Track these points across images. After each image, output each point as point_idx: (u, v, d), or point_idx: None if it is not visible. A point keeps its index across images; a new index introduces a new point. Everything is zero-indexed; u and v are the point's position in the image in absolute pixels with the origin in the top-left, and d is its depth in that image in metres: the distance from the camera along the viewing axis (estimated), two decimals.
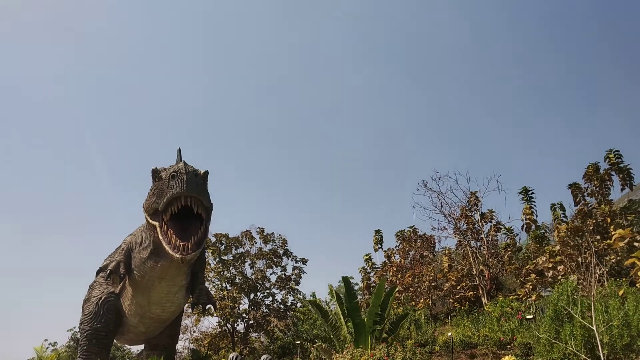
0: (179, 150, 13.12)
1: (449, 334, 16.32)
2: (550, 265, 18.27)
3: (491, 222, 26.92)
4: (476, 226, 27.08)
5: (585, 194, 23.01)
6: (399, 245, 34.01)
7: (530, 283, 19.27)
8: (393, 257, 33.73)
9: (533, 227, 23.40)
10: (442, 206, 26.93)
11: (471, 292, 25.43)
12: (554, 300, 13.41)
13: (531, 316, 15.52)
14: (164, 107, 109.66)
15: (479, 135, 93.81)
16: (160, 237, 11.78)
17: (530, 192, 24.26)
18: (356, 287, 42.14)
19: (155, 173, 12.71)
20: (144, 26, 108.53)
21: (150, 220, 12.40)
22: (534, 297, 18.05)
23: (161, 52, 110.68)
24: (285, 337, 26.41)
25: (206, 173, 12.49)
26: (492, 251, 24.31)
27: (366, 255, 37.12)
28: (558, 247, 18.80)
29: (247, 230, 27.73)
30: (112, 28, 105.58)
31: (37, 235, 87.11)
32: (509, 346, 16.21)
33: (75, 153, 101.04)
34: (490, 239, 25.34)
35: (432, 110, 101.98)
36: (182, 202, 11.34)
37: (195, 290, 14.94)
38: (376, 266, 36.04)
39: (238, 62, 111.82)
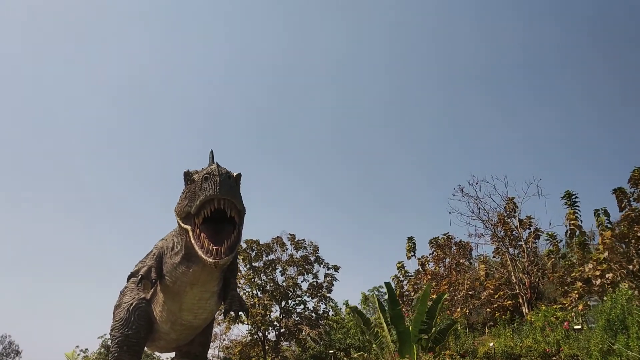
0: (212, 152, 12.78)
1: (491, 344, 15.61)
2: (597, 273, 17.40)
3: (529, 228, 26.08)
4: (514, 233, 26.25)
5: (632, 198, 21.99)
6: (433, 252, 33.30)
7: (576, 292, 18.39)
8: (427, 265, 32.95)
9: (577, 232, 22.40)
10: (479, 212, 26.05)
11: (510, 302, 24.58)
12: (606, 309, 12.65)
13: (579, 326, 14.71)
14: (188, 107, 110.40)
15: (518, 138, 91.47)
16: (193, 241, 11.35)
17: (574, 197, 23.28)
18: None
19: (188, 176, 12.35)
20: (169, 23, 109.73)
21: (183, 224, 12.00)
22: (580, 307, 17.20)
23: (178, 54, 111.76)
24: (318, 347, 25.89)
25: (239, 175, 12.07)
26: (532, 259, 23.43)
27: (399, 263, 36.43)
28: (606, 253, 17.90)
29: (278, 237, 27.38)
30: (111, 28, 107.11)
31: (69, 238, 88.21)
32: (554, 358, 15.43)
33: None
34: (529, 246, 24.45)
35: (467, 114, 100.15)
36: (215, 205, 10.93)
37: (228, 297, 14.50)
38: (409, 274, 35.32)
39: (276, 64, 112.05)
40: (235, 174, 11.93)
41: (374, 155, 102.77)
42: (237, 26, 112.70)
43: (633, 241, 20.08)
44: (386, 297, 37.89)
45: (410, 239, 37.80)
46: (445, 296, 17.19)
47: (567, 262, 21.79)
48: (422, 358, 14.37)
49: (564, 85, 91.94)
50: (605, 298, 16.75)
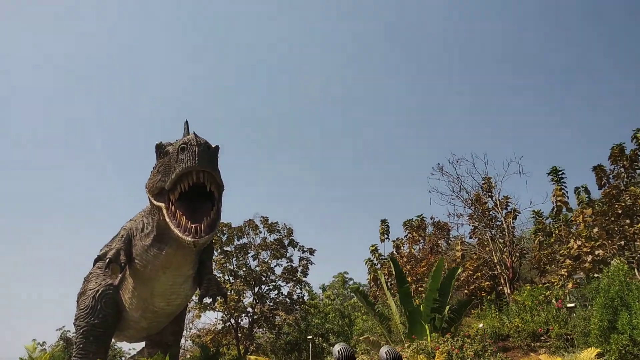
0: (186, 122, 11.59)
1: (480, 325, 14.99)
2: (587, 250, 16.97)
3: (507, 208, 25.65)
4: (492, 212, 25.80)
5: (611, 176, 21.70)
6: (407, 235, 32.75)
7: (565, 269, 17.91)
8: (402, 248, 32.32)
9: (564, 209, 21.98)
10: (460, 190, 25.35)
11: (488, 282, 24.15)
12: (604, 286, 12.09)
13: (573, 304, 14.17)
14: (162, 96, 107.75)
15: (497, 115, 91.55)
16: (168, 220, 10.14)
17: (560, 173, 22.76)
18: (362, 281, 40.75)
19: (161, 148, 11.07)
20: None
21: (155, 202, 10.75)
22: (570, 285, 16.74)
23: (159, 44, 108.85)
24: (294, 332, 25.04)
25: (217, 148, 10.79)
26: (512, 238, 22.99)
27: (372, 246, 35.77)
28: (595, 229, 17.49)
29: (250, 220, 26.29)
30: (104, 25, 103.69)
31: (21, 230, 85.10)
32: (542, 337, 14.92)
33: (77, 149, 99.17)
34: (506, 226, 23.98)
35: (445, 91, 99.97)
36: (193, 177, 9.72)
37: (204, 281, 13.44)
38: (383, 257, 34.76)
39: (241, 56, 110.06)
40: (213, 146, 10.83)
41: (348, 138, 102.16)
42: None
43: (613, 218, 19.82)
44: (351, 283, 37.34)
45: (383, 221, 37.14)
46: (460, 271, 15.94)
47: (555, 239, 21.29)
48: (439, 339, 13.24)
49: (543, 62, 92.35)
50: (597, 275, 16.34)
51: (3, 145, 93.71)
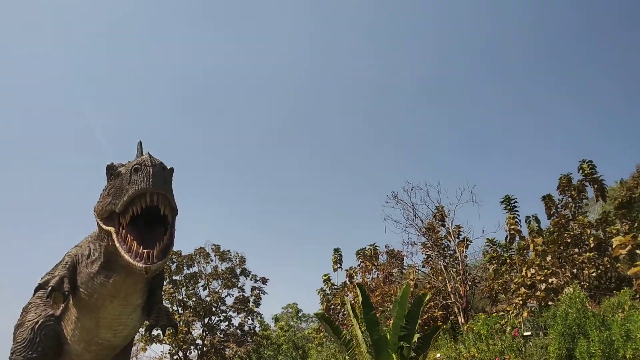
0: (140, 143, 11.06)
1: (438, 355, 14.80)
2: (541, 278, 17.17)
3: (459, 237, 25.91)
4: (444, 242, 26.00)
5: (559, 205, 22.26)
6: (360, 264, 32.59)
7: (519, 298, 18.06)
8: (355, 277, 32.11)
9: (517, 238, 22.31)
10: (415, 218, 25.43)
11: (441, 312, 24.16)
12: (561, 314, 12.14)
13: (529, 333, 14.17)
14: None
15: (449, 146, 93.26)
16: (117, 245, 9.50)
17: (513, 201, 23.19)
18: (311, 311, 40.13)
19: (112, 169, 10.46)
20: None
21: (104, 226, 10.11)
22: (525, 313, 16.84)
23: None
24: None
25: (172, 170, 10.29)
26: (464, 267, 23.14)
27: (325, 275, 35.37)
28: (549, 257, 17.75)
29: (201, 247, 25.60)
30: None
31: None
32: None
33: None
34: (459, 255, 24.17)
35: (399, 119, 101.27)
36: (147, 200, 9.19)
37: (153, 311, 12.71)
38: (335, 287, 34.41)
39: (198, 66, 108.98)
40: (168, 167, 10.38)
41: (301, 165, 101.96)
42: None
43: (562, 247, 20.25)
44: (300, 314, 36.73)
45: (336, 250, 36.86)
46: (428, 297, 15.47)
47: (508, 268, 21.50)
48: None
49: (495, 88, 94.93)
50: (551, 303, 16.47)
51: None
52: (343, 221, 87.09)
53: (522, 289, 18.15)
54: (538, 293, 17.39)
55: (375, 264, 31.36)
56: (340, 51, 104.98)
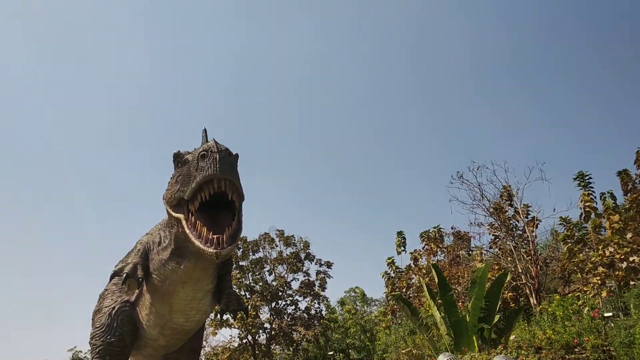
0: (205, 130, 11.10)
1: (512, 337, 14.36)
2: (621, 257, 16.34)
3: (527, 217, 25.05)
4: (512, 222, 25.20)
5: (637, 181, 21.09)
6: (425, 246, 32.11)
7: (598, 277, 17.26)
8: (420, 259, 31.68)
9: (593, 215, 21.28)
10: (482, 198, 24.62)
11: (510, 293, 23.49)
12: None
13: (610, 314, 13.49)
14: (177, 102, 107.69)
15: (516, 121, 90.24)
16: (187, 231, 9.59)
17: (587, 177, 22.11)
18: (377, 295, 39.95)
19: (179, 157, 10.55)
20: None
21: (173, 213, 10.23)
22: (604, 293, 16.09)
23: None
24: (313, 349, 24.37)
25: (237, 156, 10.27)
26: (535, 247, 22.34)
27: (389, 258, 35.18)
28: (629, 235, 16.87)
29: (266, 233, 25.83)
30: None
31: (32, 251, 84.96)
32: (576, 349, 14.27)
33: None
34: (529, 235, 23.34)
35: (462, 97, 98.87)
36: (215, 186, 9.18)
37: (223, 295, 12.88)
38: (400, 269, 34.13)
39: (261, 61, 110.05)
40: (234, 153, 10.38)
41: (362, 150, 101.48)
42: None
43: None
44: (364, 298, 36.46)
45: (399, 233, 36.56)
46: (509, 279, 14.59)
47: (584, 247, 20.55)
48: (490, 352, 12.00)
49: (563, 66, 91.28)
50: (635, 282, 15.65)
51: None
52: (406, 204, 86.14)
53: (600, 268, 17.31)
54: (618, 272, 16.57)
55: (441, 246, 30.87)
56: (398, 36, 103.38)
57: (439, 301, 14.71)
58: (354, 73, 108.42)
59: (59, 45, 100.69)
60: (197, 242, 9.39)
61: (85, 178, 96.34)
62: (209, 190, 9.48)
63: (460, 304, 21.88)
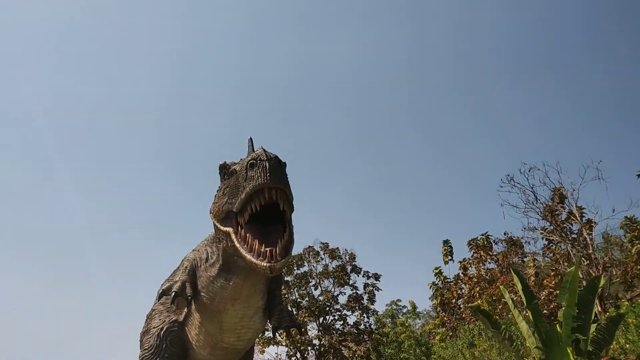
0: (251, 139, 10.61)
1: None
2: None
3: (582, 219, 23.87)
4: (566, 225, 24.05)
5: None
6: (474, 254, 31.10)
7: None
8: (469, 268, 30.62)
9: None
10: (536, 201, 23.51)
11: None
12: None
13: None
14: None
15: (565, 119, 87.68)
16: (237, 245, 9.02)
17: None
18: (421, 308, 38.88)
19: (225, 168, 10.02)
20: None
21: (222, 227, 9.71)
22: None
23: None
24: None
25: (285, 164, 9.66)
26: (593, 251, 21.19)
27: (436, 268, 34.20)
28: None
29: (310, 247, 25.30)
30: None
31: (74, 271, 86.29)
32: None
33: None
34: (587, 238, 22.19)
35: (507, 103, 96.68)
36: (265, 196, 8.58)
37: (275, 312, 12.33)
38: (448, 279, 33.18)
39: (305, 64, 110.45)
40: (283, 161, 9.84)
41: (403, 157, 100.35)
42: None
43: None
44: (404, 310, 35.36)
45: (446, 242, 35.64)
46: (603, 283, 12.90)
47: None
48: None
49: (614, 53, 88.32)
50: None
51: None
52: (451, 212, 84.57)
53: None
54: None
55: (490, 253, 29.82)
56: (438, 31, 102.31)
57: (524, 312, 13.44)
58: (397, 74, 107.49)
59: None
60: (248, 256, 8.86)
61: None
62: (260, 201, 8.94)
63: (524, 312, 20.74)
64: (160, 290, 11.97)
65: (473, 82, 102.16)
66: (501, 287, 14.50)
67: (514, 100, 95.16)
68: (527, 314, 13.42)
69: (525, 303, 12.74)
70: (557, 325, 12.01)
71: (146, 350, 13.21)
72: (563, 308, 11.78)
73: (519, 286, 13.03)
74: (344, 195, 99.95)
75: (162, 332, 13.08)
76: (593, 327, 11.59)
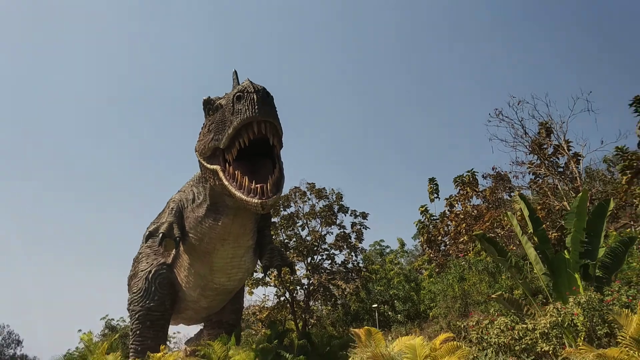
0: (235, 72, 10.03)
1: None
2: None
3: (569, 153, 23.71)
4: (553, 158, 23.87)
5: None
6: (460, 191, 30.99)
7: None
8: (455, 205, 30.54)
9: None
10: (525, 134, 23.15)
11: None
12: None
13: None
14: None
15: (555, 55, 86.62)
16: (226, 183, 8.64)
17: None
18: (410, 245, 39.10)
19: (210, 103, 9.49)
20: None
21: (208, 165, 9.28)
22: None
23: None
24: (354, 302, 23.67)
25: (273, 97, 9.13)
26: (581, 184, 21.15)
27: (422, 207, 34.22)
28: None
29: (296, 187, 24.92)
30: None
31: (60, 220, 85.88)
32: None
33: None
34: (575, 170, 22.10)
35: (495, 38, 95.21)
36: (254, 129, 8.08)
37: (265, 251, 12.13)
38: (434, 217, 33.24)
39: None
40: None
41: (390, 97, 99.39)
42: None
43: None
44: (387, 251, 35.51)
45: (431, 180, 35.58)
46: (612, 206, 12.45)
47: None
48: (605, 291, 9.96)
49: None
50: None
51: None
52: (436, 150, 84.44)
53: None
54: None
55: (476, 189, 29.71)
56: None
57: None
58: (377, 15, 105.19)
59: None
60: (238, 194, 8.42)
61: None
62: (249, 135, 8.41)
63: (512, 247, 20.84)
64: (147, 232, 11.57)
65: (462, 29, 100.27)
66: (509, 213, 14.34)
67: (502, 42, 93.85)
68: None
69: (532, 229, 12.63)
70: (565, 251, 11.89)
71: (134, 294, 12.94)
72: (571, 233, 11.64)
73: (526, 212, 12.87)
74: (330, 136, 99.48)
75: (150, 275, 12.77)
76: (601, 251, 11.44)
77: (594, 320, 8.92)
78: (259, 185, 8.05)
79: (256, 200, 7.97)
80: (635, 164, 19.54)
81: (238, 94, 8.10)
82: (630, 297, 9.55)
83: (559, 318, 9.14)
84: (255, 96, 8.00)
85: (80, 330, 29.05)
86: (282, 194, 24.25)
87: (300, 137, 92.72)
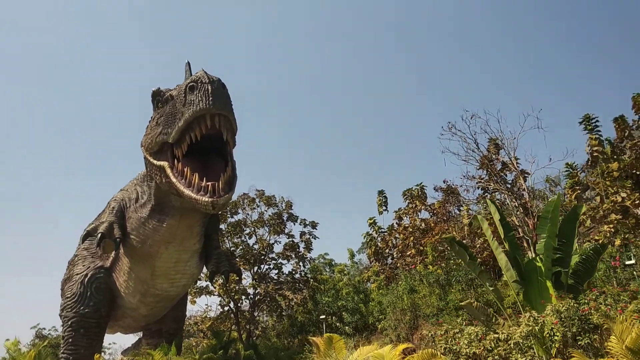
0: (188, 63, 9.46)
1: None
2: (635, 202, 15.40)
3: (516, 169, 24.10)
4: (501, 174, 24.22)
5: (634, 127, 20.18)
6: (408, 204, 31.10)
7: (611, 225, 16.25)
8: (404, 218, 30.61)
9: (601, 160, 20.17)
10: (478, 148, 23.37)
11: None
12: None
13: (632, 261, 12.45)
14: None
15: (505, 69, 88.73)
16: (174, 180, 8.02)
17: (594, 121, 20.85)
18: (357, 258, 38.95)
19: (159, 95, 8.83)
20: None
21: (155, 161, 8.61)
22: (618, 242, 15.16)
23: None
24: (300, 313, 23.12)
25: (228, 90, 8.57)
26: (529, 199, 21.42)
27: (370, 219, 34.14)
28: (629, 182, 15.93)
29: (244, 194, 24.29)
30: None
31: None
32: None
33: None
34: (524, 185, 22.42)
35: (446, 52, 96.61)
36: (207, 123, 7.50)
37: (212, 256, 11.49)
38: (383, 230, 33.21)
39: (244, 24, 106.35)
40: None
41: (342, 108, 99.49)
42: None
43: None
44: (354, 259, 35.45)
45: (381, 192, 35.70)
46: (584, 210, 11.97)
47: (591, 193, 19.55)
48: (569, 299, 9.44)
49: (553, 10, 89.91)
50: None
51: None
52: (386, 164, 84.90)
53: (613, 215, 16.32)
54: (630, 220, 15.62)
55: (425, 203, 29.88)
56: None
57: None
58: (327, 24, 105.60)
59: None
60: (187, 192, 7.72)
61: None
62: (201, 129, 7.75)
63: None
64: (85, 232, 10.69)
65: (410, 35, 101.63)
66: (478, 216, 14.21)
67: (456, 52, 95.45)
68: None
69: (502, 234, 12.50)
70: (538, 258, 11.75)
71: (68, 299, 11.95)
72: (543, 239, 11.49)
73: (496, 217, 12.76)
74: (280, 142, 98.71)
75: (86, 279, 11.83)
76: (574, 258, 11.22)
77: (574, 330, 8.68)
78: (210, 183, 7.49)
79: (207, 199, 7.39)
80: (582, 182, 20.09)
81: (191, 84, 7.51)
82: (609, 307, 9.37)
83: (536, 327, 8.89)
84: (209, 87, 7.43)
85: (8, 340, 27.39)
86: (230, 201, 23.80)
87: (252, 141, 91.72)
